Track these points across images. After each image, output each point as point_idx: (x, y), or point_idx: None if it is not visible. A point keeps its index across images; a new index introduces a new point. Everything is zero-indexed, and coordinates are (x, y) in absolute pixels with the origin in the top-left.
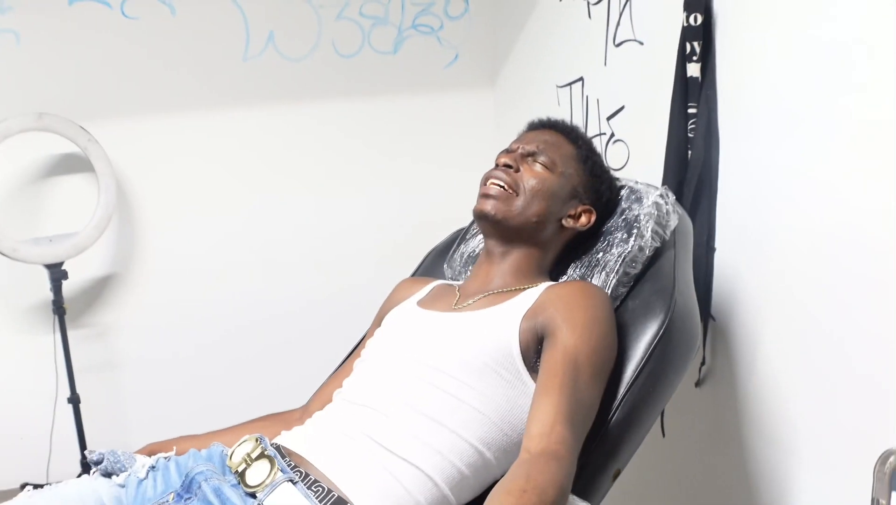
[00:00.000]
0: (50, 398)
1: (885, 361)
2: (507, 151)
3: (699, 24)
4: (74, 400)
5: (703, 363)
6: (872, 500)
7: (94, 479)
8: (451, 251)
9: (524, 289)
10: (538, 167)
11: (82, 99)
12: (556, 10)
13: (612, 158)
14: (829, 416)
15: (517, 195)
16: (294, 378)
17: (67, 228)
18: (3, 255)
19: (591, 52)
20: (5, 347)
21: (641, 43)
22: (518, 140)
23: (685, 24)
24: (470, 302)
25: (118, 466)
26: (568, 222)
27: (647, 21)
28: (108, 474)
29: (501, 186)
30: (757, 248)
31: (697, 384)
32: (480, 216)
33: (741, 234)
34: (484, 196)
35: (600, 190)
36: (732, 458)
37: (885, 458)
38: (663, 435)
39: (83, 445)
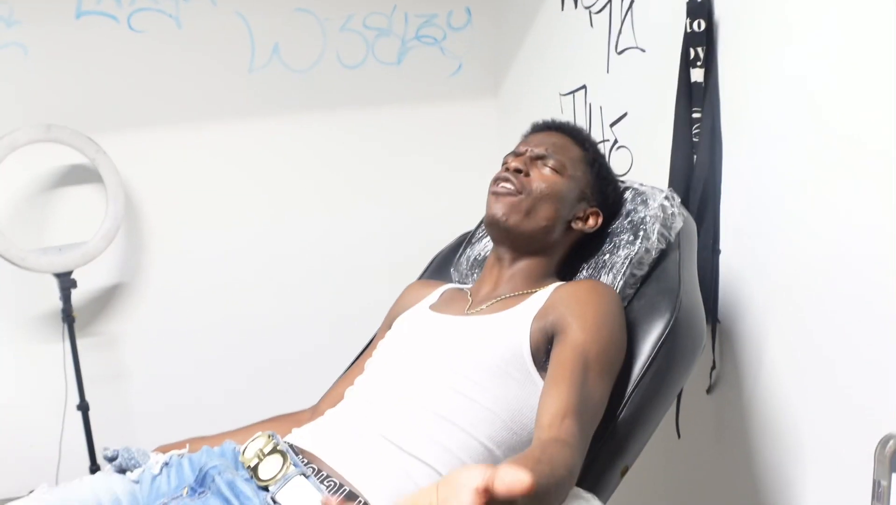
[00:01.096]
0: (59, 406)
1: (890, 362)
2: (515, 154)
3: (702, 30)
4: (84, 407)
5: (713, 367)
6: (874, 481)
7: (108, 475)
8: (458, 255)
9: (534, 292)
10: (547, 171)
11: (90, 110)
12: (558, 19)
13: (616, 165)
14: (834, 417)
15: (527, 199)
16: (301, 387)
17: (76, 238)
18: (13, 264)
19: (593, 60)
20: (16, 356)
21: (643, 50)
22: (525, 142)
23: (688, 31)
24: (483, 307)
25: (132, 462)
26: (576, 224)
27: (649, 29)
28: (122, 471)
29: (512, 192)
30: (761, 251)
31: (709, 391)
32: (492, 223)
33: (745, 238)
34: (495, 201)
35: (606, 192)
36: (739, 459)
37: (885, 441)
38: (678, 436)
39: (92, 453)
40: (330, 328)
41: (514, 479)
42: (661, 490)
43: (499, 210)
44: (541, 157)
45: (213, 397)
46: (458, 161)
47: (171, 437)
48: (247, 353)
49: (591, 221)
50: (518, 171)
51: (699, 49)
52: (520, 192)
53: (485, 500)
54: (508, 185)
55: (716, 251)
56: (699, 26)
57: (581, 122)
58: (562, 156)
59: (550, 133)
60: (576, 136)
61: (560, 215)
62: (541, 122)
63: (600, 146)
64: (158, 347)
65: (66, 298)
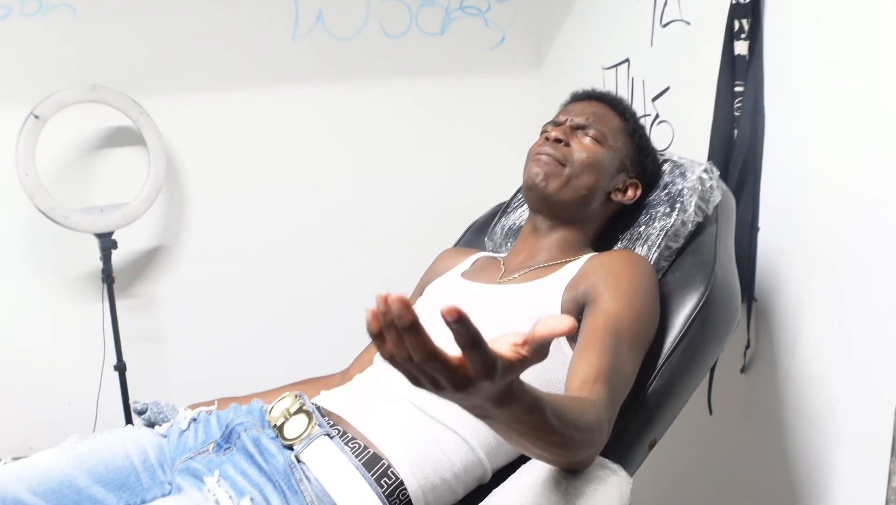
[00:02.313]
0: (97, 365)
1: None
2: (555, 124)
3: (748, 2)
4: (121, 367)
5: (747, 346)
6: (893, 438)
7: (137, 428)
8: (493, 224)
9: (568, 262)
10: (588, 140)
11: (135, 73)
12: None
13: (657, 140)
14: (871, 398)
15: (567, 169)
16: (334, 350)
17: (118, 199)
18: (56, 222)
19: (637, 34)
20: (56, 315)
21: (688, 23)
22: (565, 111)
23: (734, 2)
24: (515, 276)
25: (161, 416)
26: (616, 196)
27: (695, 1)
28: (151, 425)
29: (552, 161)
30: (801, 228)
31: (743, 370)
32: (531, 187)
33: (785, 215)
34: (534, 169)
35: (645, 163)
36: (771, 438)
37: None
38: (710, 412)
39: (128, 412)
40: (366, 293)
41: (557, 322)
42: (691, 466)
43: (538, 175)
44: (581, 127)
45: (247, 361)
46: (497, 133)
47: (204, 397)
48: (283, 318)
49: (629, 193)
50: (558, 140)
51: (744, 21)
52: (562, 164)
53: (521, 353)
54: (549, 156)
55: (754, 228)
56: None
57: (623, 96)
58: (602, 126)
59: (591, 102)
60: (616, 106)
61: (600, 186)
62: (581, 91)
63: (641, 120)
64: (195, 310)
65: (106, 258)
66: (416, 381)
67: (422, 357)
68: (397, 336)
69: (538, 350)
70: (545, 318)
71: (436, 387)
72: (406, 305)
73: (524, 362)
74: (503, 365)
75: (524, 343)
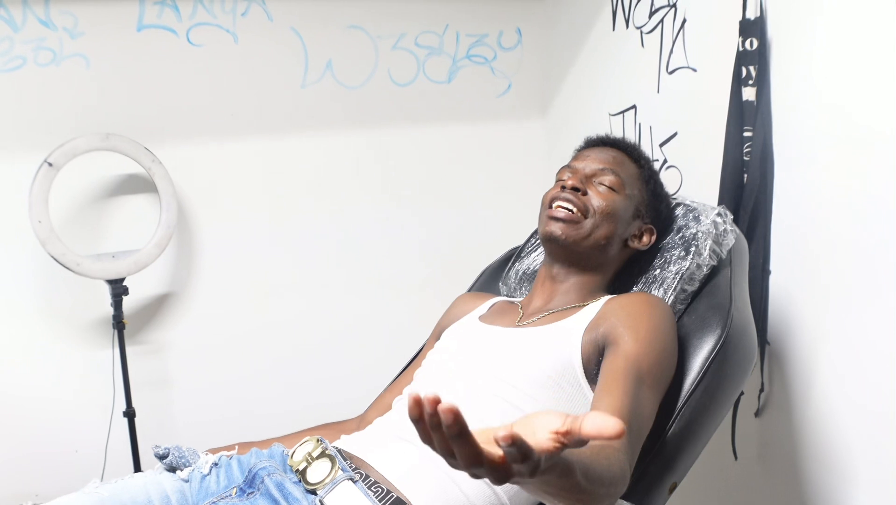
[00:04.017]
0: (106, 412)
1: None
2: (571, 170)
3: (755, 49)
4: (130, 414)
5: (762, 390)
6: None
7: (158, 473)
8: (507, 269)
9: (585, 305)
10: (604, 189)
11: (148, 121)
12: (608, 39)
13: (666, 185)
14: (886, 441)
15: (586, 218)
16: (348, 398)
17: (129, 246)
18: (68, 269)
19: (643, 80)
20: (66, 361)
21: (694, 70)
22: (581, 158)
23: (740, 49)
24: (534, 319)
25: (182, 461)
26: (632, 242)
27: (700, 48)
28: (172, 470)
29: (571, 210)
30: (812, 271)
31: (757, 414)
32: (550, 239)
33: (796, 258)
34: (553, 219)
35: (660, 209)
36: (789, 482)
37: None
38: (735, 457)
39: (136, 459)
40: (378, 341)
41: (604, 422)
42: None
43: (557, 228)
44: (597, 175)
45: (258, 408)
46: (505, 179)
47: (214, 445)
48: (294, 364)
49: (645, 239)
50: (575, 189)
51: (751, 67)
52: (582, 214)
53: (563, 442)
54: (567, 206)
55: (766, 271)
56: (751, 45)
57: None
58: (619, 173)
59: (606, 148)
60: (632, 153)
61: (617, 234)
62: (595, 136)
63: None
64: (205, 357)
65: (117, 304)
66: (454, 464)
67: (466, 462)
68: (441, 436)
69: (579, 441)
70: (595, 414)
71: (475, 474)
72: (456, 417)
73: (563, 448)
74: (545, 459)
75: (567, 433)
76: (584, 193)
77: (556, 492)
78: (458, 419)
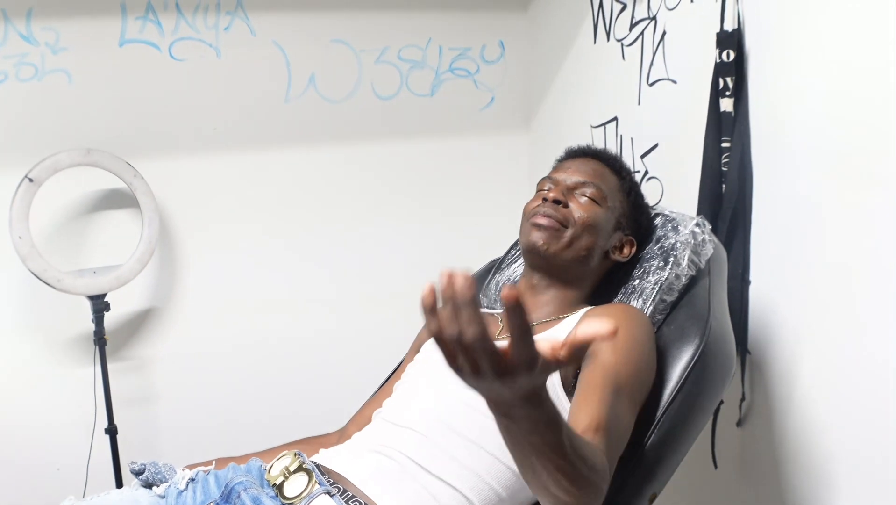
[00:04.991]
0: (88, 429)
1: None
2: (552, 181)
3: (731, 61)
4: (112, 431)
5: (742, 399)
6: None
7: (134, 489)
8: (487, 280)
9: (565, 317)
10: (585, 200)
11: (130, 136)
12: (590, 52)
13: (647, 196)
14: (867, 448)
15: (569, 231)
16: (330, 412)
17: (111, 261)
18: (49, 285)
19: (624, 92)
20: (46, 378)
21: (674, 81)
22: (562, 170)
23: (718, 61)
24: None
25: (158, 476)
26: (613, 254)
27: (680, 60)
28: (148, 485)
29: (552, 222)
30: (791, 281)
31: (739, 423)
32: (531, 249)
33: (775, 268)
34: (535, 226)
35: (640, 220)
36: (771, 490)
37: None
38: (715, 466)
39: (119, 476)
40: (359, 353)
41: (599, 324)
42: None
43: (539, 238)
44: (579, 186)
45: (242, 424)
46: (488, 191)
47: (198, 461)
48: (277, 379)
49: (625, 250)
50: (556, 201)
51: (728, 79)
52: (563, 225)
53: (561, 353)
54: (549, 220)
55: (745, 281)
56: (728, 56)
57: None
58: (601, 185)
59: (587, 160)
60: (613, 165)
61: (598, 245)
62: (576, 147)
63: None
64: (187, 372)
65: (98, 320)
66: (455, 363)
67: (473, 334)
68: (452, 312)
69: (575, 355)
70: (587, 323)
71: (474, 372)
72: (471, 283)
73: (559, 363)
74: (542, 362)
75: (563, 346)
76: (566, 206)
77: (541, 447)
78: (471, 284)
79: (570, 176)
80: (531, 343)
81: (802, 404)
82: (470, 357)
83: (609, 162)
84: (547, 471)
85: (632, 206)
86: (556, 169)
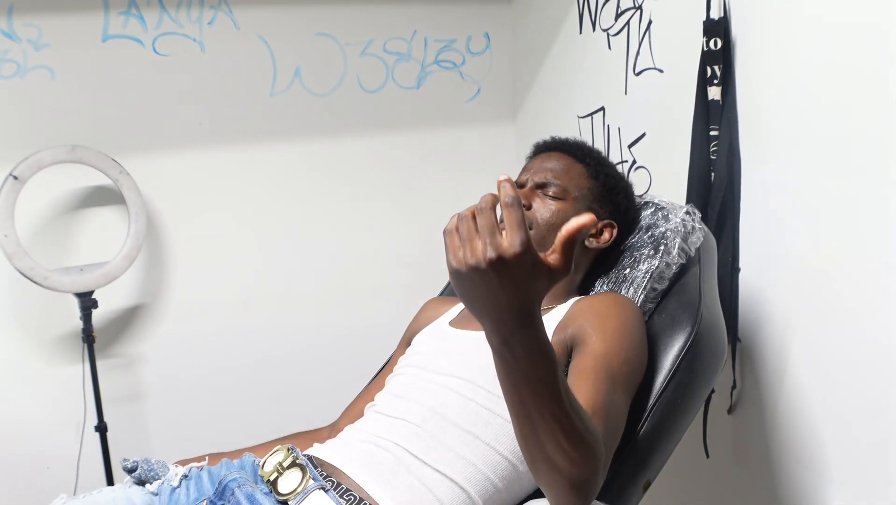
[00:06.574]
0: (77, 427)
1: None
2: (519, 186)
3: (719, 49)
4: (102, 428)
5: (734, 386)
6: None
7: (127, 486)
8: None
9: (553, 308)
10: (549, 199)
11: (114, 132)
12: (575, 42)
13: (635, 185)
14: (859, 435)
15: (535, 233)
16: (318, 404)
17: (98, 258)
18: (36, 283)
19: (611, 82)
20: (35, 376)
21: (661, 70)
22: (526, 171)
23: (705, 49)
24: None
25: (151, 474)
26: (590, 242)
27: (666, 49)
28: (141, 483)
29: None
30: (781, 268)
31: (730, 411)
32: None
33: (765, 255)
34: None
35: (617, 201)
36: (763, 478)
37: None
38: (707, 455)
39: (109, 474)
40: (349, 347)
41: (578, 218)
42: None
43: None
44: (541, 186)
45: (232, 419)
46: (475, 183)
47: (188, 457)
48: (267, 374)
49: (605, 235)
50: None
51: (716, 67)
52: (529, 228)
53: (550, 260)
54: None
55: (735, 269)
56: (715, 45)
57: (599, 144)
58: (562, 179)
59: (549, 155)
60: (575, 153)
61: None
62: (541, 142)
63: (619, 168)
64: (177, 368)
65: (86, 318)
66: (457, 255)
67: (486, 202)
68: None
69: (565, 259)
70: (569, 221)
71: (473, 254)
72: (514, 187)
73: (553, 271)
74: (534, 254)
75: (552, 252)
76: (528, 208)
77: (538, 387)
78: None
79: (533, 176)
80: (524, 227)
81: (793, 391)
82: (471, 236)
83: (571, 151)
84: (545, 422)
85: (602, 188)
86: (523, 169)
